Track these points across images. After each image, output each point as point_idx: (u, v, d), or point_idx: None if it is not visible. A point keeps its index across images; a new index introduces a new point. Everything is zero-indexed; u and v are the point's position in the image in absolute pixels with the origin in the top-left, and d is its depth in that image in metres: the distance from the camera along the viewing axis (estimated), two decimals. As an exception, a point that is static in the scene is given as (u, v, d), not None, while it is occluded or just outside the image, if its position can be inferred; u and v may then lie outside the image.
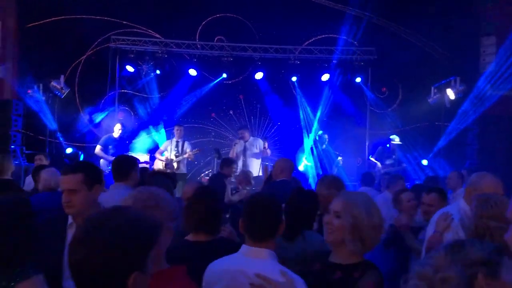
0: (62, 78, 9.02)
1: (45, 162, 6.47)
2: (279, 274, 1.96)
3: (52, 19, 10.18)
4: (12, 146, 7.56)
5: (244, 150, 8.51)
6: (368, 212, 2.07)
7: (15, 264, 2.15)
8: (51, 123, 9.16)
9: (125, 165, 3.72)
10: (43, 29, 10.04)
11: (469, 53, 9.48)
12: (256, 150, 8.54)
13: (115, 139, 8.76)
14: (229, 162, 6.60)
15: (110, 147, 8.62)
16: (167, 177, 4.03)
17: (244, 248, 2.15)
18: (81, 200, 2.52)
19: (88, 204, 2.54)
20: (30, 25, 10.35)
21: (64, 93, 9.01)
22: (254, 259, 2.08)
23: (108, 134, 8.89)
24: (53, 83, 8.80)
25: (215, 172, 8.17)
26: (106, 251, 1.15)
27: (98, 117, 10.28)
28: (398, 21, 10.25)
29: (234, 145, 8.67)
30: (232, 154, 8.53)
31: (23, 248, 2.24)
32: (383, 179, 6.68)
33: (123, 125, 9.06)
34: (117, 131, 8.81)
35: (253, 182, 6.42)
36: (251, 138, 8.76)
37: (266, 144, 8.59)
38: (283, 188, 4.16)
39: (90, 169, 2.68)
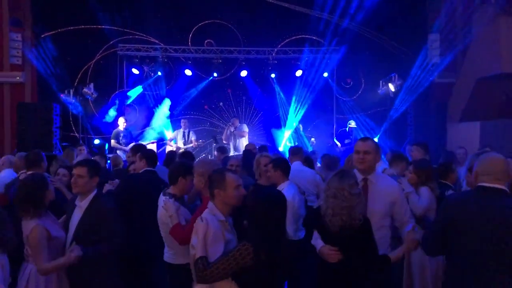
0: (92, 85, 10.71)
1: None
2: None
3: (64, 29, 11.86)
4: (54, 141, 9.46)
5: (232, 133, 10.71)
6: None
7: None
8: (83, 121, 10.74)
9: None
10: (56, 38, 11.60)
11: (414, 48, 11.28)
12: (242, 133, 10.73)
13: (122, 131, 10.14)
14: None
15: (120, 138, 10.09)
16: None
17: None
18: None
19: None
20: (44, 35, 12.09)
21: (94, 97, 10.77)
22: None
23: (116, 128, 10.27)
24: (85, 89, 10.39)
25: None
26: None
27: (111, 115, 11.75)
28: (361, 23, 11.63)
29: (226, 129, 10.89)
30: (224, 135, 10.82)
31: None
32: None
33: (126, 119, 10.44)
34: (121, 124, 10.17)
35: None
36: (239, 124, 10.92)
37: (245, 126, 10.94)
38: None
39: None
